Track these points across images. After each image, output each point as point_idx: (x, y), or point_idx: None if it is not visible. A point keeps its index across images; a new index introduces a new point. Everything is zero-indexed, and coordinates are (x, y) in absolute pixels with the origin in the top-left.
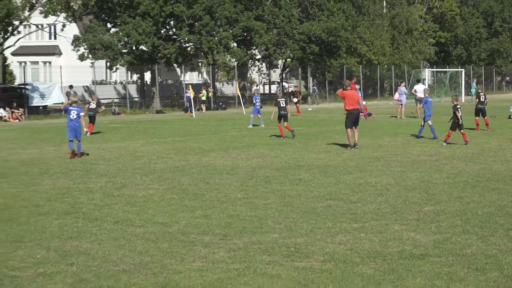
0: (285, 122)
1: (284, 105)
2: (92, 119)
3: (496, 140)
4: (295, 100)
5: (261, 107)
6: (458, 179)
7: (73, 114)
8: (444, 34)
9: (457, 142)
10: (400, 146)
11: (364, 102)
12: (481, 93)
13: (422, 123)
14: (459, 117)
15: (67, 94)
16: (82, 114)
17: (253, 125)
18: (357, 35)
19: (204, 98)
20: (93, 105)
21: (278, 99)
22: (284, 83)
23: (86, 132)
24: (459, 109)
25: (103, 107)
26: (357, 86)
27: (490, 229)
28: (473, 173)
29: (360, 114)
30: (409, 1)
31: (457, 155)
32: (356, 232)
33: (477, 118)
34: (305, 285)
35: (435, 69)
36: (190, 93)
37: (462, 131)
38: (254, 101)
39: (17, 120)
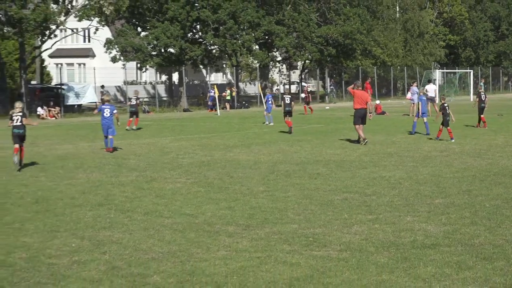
0: (289, 117)
1: (288, 102)
2: (135, 114)
3: (502, 137)
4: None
5: (278, 106)
6: (467, 174)
7: (106, 112)
8: (453, 37)
9: (444, 138)
10: (412, 142)
11: (378, 101)
12: (482, 93)
13: (425, 120)
14: (447, 114)
15: (102, 94)
16: (115, 111)
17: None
18: (371, 38)
19: (228, 97)
20: (133, 101)
21: (284, 96)
22: (303, 83)
23: (127, 127)
24: (446, 107)
25: (138, 101)
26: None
27: (497, 221)
28: (481, 168)
29: (369, 114)
30: (421, 6)
31: (466, 151)
32: (371, 223)
33: (482, 116)
34: (323, 272)
35: (445, 70)
36: (215, 93)
37: (441, 127)
38: (265, 100)
39: (54, 118)
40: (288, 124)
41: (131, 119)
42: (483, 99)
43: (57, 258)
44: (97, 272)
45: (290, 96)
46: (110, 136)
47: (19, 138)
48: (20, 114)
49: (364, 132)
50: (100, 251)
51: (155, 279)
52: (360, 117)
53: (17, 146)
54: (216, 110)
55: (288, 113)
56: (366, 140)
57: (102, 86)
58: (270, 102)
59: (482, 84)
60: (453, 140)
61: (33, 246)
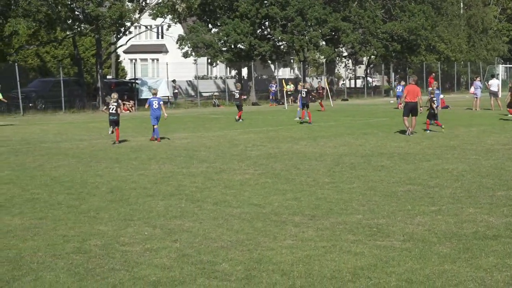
0: (307, 109)
1: (305, 95)
2: (239, 107)
3: None
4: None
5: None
6: None
7: (155, 104)
8: None
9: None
10: (475, 135)
11: (441, 95)
12: None
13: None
14: (435, 108)
15: (174, 88)
16: (161, 103)
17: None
18: (436, 34)
19: (289, 92)
20: (237, 95)
21: (301, 90)
22: (368, 78)
23: (238, 119)
24: (434, 100)
25: (244, 96)
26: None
27: None
28: None
29: (420, 108)
30: (485, 2)
31: None
32: (434, 214)
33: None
34: (386, 262)
35: (508, 65)
36: (284, 88)
37: (436, 121)
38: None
39: (128, 111)
40: (308, 115)
41: (240, 111)
42: None
43: (130, 246)
44: (168, 259)
45: (306, 90)
46: (155, 126)
47: (114, 122)
48: (115, 104)
49: (414, 124)
50: (171, 239)
51: (223, 266)
52: (409, 109)
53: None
54: (283, 103)
55: (304, 105)
56: (409, 133)
57: (174, 81)
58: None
59: None
60: (428, 132)
61: (108, 233)
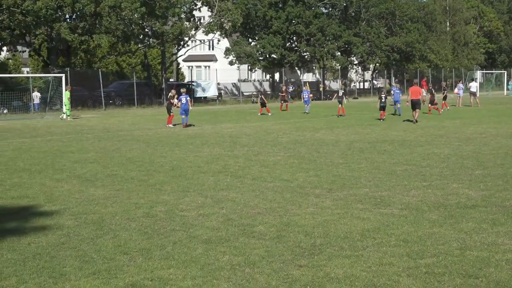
0: (342, 105)
1: (341, 95)
2: (262, 105)
3: None
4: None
5: (313, 99)
6: (501, 151)
7: (184, 100)
8: (491, 46)
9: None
10: (458, 126)
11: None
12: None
13: (398, 106)
14: (384, 101)
15: (219, 90)
16: (188, 99)
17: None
18: (427, 46)
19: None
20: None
21: (303, 92)
22: (374, 81)
23: (268, 114)
24: (383, 96)
25: (262, 95)
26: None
27: None
28: None
29: (422, 103)
30: (466, 21)
31: (501, 133)
32: (425, 188)
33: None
34: (387, 225)
35: (484, 71)
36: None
37: (383, 111)
38: (303, 95)
39: None
40: (342, 110)
41: (262, 108)
42: None
43: (187, 211)
44: (217, 222)
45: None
46: (183, 117)
47: (168, 109)
48: (169, 96)
49: (418, 115)
50: (219, 206)
51: (259, 228)
52: (414, 105)
53: (172, 114)
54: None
55: (340, 102)
56: (416, 122)
57: (218, 83)
58: (306, 97)
59: (511, 82)
60: (382, 120)
61: (170, 202)
